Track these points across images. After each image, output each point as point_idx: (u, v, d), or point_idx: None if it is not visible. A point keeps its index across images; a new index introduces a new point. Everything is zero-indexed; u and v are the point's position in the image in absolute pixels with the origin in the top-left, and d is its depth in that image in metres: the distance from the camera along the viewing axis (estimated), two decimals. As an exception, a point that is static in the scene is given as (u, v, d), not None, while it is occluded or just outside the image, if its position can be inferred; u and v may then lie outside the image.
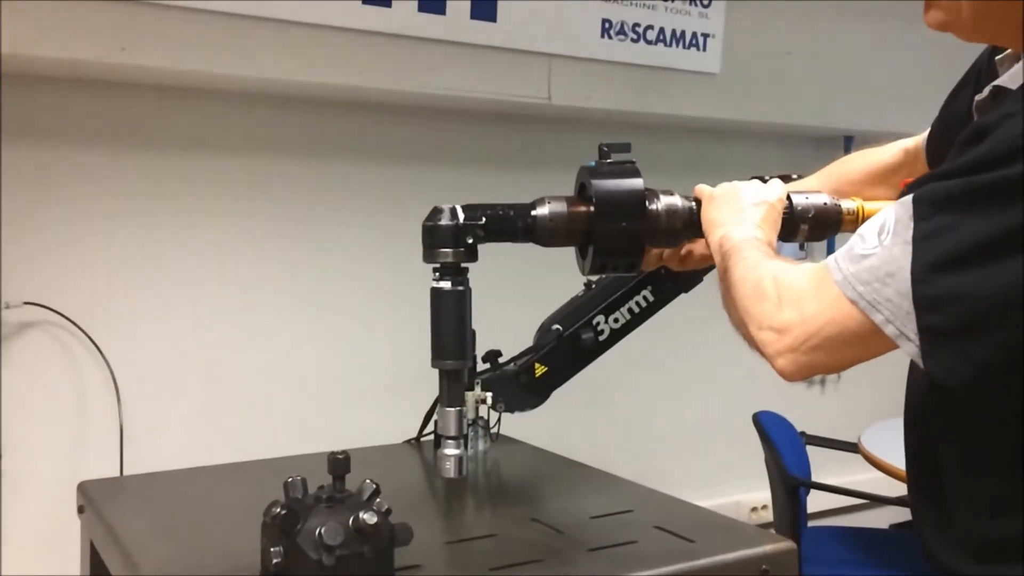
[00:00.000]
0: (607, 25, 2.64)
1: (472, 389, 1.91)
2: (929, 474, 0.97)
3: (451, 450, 1.18)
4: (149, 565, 1.23)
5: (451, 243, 1.19)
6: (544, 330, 1.91)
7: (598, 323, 1.88)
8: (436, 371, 1.94)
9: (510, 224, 1.24)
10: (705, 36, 2.81)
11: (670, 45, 2.74)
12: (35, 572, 2.26)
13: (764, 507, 3.28)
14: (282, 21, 2.20)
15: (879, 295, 0.81)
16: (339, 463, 1.16)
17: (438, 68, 2.41)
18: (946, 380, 0.81)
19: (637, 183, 1.25)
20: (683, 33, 2.77)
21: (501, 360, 1.92)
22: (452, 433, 1.18)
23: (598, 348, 1.88)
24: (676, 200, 1.30)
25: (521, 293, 2.56)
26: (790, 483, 2.45)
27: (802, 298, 0.88)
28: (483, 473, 1.86)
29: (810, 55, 2.97)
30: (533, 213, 1.25)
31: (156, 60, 2.10)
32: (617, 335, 1.88)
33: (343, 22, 2.27)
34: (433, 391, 1.96)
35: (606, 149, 1.28)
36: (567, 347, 1.88)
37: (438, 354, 1.20)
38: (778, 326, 0.89)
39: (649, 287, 1.86)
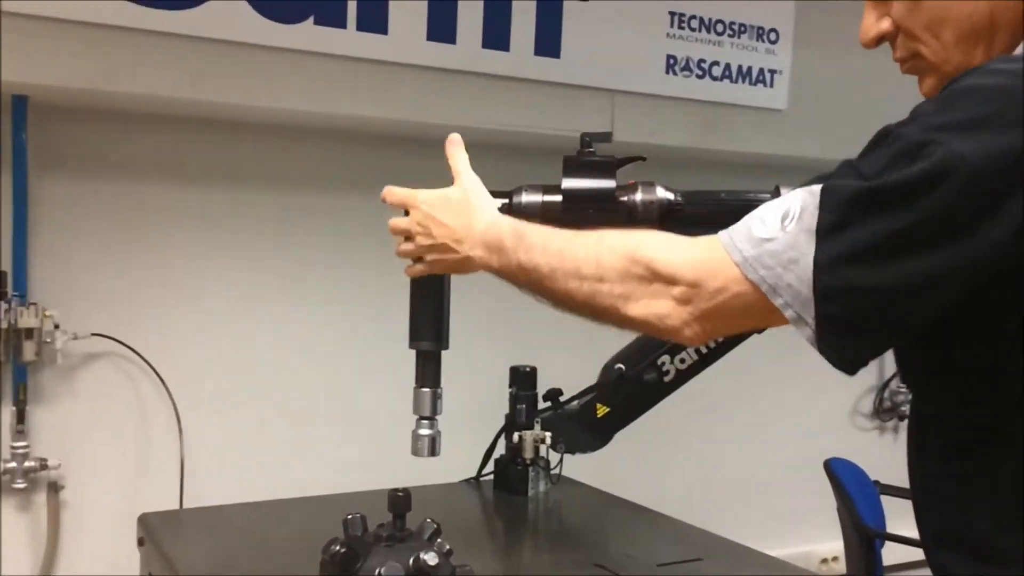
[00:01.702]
0: (672, 61, 2.62)
1: (532, 428, 1.88)
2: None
3: (424, 430, 1.18)
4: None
5: None
6: (607, 369, 1.87)
7: (663, 363, 1.82)
8: (497, 410, 1.94)
9: None
10: (772, 72, 2.77)
11: (736, 81, 2.71)
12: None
13: (835, 559, 3.15)
14: (348, 58, 2.23)
15: (780, 280, 0.84)
16: (399, 501, 1.15)
17: (501, 104, 2.41)
18: (838, 365, 0.85)
19: (608, 173, 1.25)
20: (750, 69, 2.73)
21: (562, 399, 1.89)
22: (426, 413, 1.19)
23: (663, 389, 1.82)
24: (658, 192, 1.29)
25: (585, 333, 2.52)
26: (865, 534, 2.35)
27: (698, 268, 0.90)
28: (544, 514, 1.82)
29: (877, 91, 2.90)
30: (514, 200, 1.25)
31: (222, 96, 2.13)
32: (684, 376, 1.82)
33: (408, 58, 2.28)
34: (492, 429, 1.96)
35: (587, 139, 1.28)
36: (630, 387, 1.82)
37: (415, 335, 1.22)
38: (678, 295, 0.91)
39: (717, 326, 1.81)
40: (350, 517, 1.14)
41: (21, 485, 2.16)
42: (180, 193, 2.39)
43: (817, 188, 0.84)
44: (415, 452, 1.17)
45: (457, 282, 2.66)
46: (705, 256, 0.90)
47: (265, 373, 2.49)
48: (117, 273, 2.32)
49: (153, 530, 1.51)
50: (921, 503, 0.94)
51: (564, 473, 1.91)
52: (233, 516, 1.67)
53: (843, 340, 0.83)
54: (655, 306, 0.92)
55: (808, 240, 0.82)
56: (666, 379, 1.84)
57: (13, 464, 2.15)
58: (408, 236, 1.23)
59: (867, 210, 0.80)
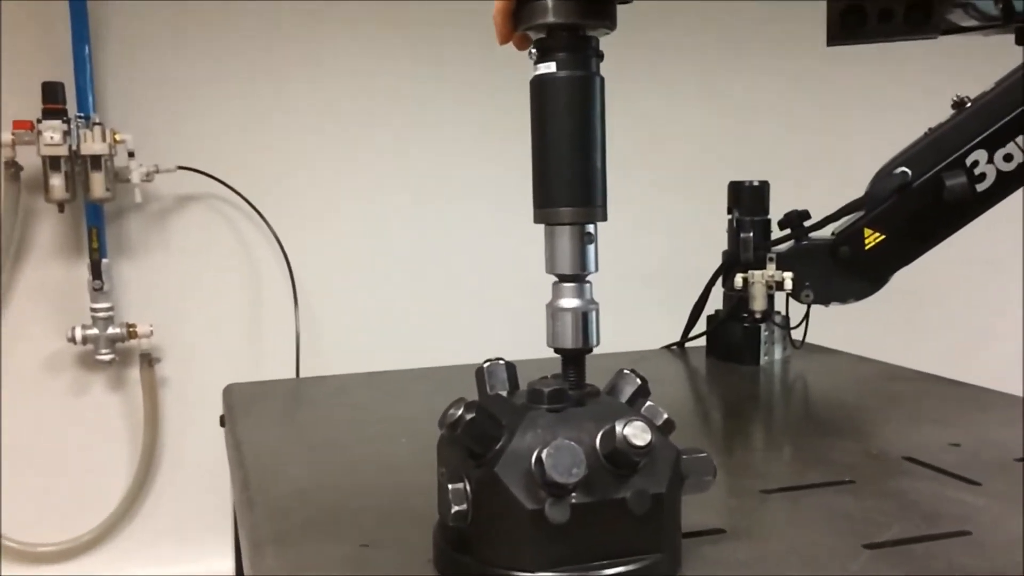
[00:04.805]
0: None
1: (763, 268, 1.30)
2: None
3: (570, 299, 0.64)
4: (266, 504, 0.80)
5: None
6: (882, 176, 1.26)
7: (975, 163, 1.22)
8: (710, 250, 1.37)
9: None
10: None
11: None
12: (190, 493, 1.94)
13: None
14: None
15: None
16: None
17: None
18: None
19: None
20: None
21: (808, 224, 1.30)
22: (567, 268, 0.64)
23: (974, 204, 1.23)
24: None
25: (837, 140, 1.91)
26: None
27: None
28: (785, 390, 1.24)
29: None
30: None
31: None
32: (1009, 182, 1.22)
33: None
34: (700, 281, 1.39)
35: None
36: (918, 201, 1.24)
37: (543, 199, 0.64)
38: None
39: (1075, 97, 1.16)
40: (487, 365, 0.67)
41: (107, 356, 1.78)
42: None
43: None
44: (553, 342, 0.64)
45: (646, 116, 2.08)
46: None
47: (391, 225, 2.07)
48: (208, 93, 1.91)
49: (234, 406, 1.17)
50: None
51: (809, 337, 1.33)
52: (340, 388, 1.27)
53: None
54: None
55: None
56: (980, 187, 1.23)
57: (94, 331, 1.75)
58: None
59: None
